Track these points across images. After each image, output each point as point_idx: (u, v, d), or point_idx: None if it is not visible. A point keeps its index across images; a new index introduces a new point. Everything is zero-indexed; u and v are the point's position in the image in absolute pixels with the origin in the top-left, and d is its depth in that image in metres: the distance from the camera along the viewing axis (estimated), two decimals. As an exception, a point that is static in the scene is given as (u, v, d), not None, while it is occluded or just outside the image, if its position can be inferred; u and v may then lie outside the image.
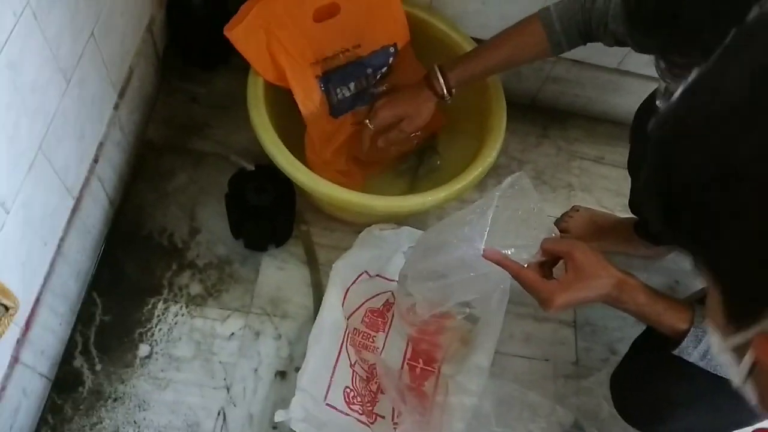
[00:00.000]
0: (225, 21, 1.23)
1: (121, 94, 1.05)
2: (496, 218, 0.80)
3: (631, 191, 1.12)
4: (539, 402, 1.04)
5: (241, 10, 1.02)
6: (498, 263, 0.78)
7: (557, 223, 1.26)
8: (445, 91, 1.00)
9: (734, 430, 0.88)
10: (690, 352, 0.72)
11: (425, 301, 0.93)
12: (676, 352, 0.73)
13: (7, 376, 0.82)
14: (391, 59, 1.14)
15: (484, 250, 0.79)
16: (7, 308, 0.54)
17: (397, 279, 1.10)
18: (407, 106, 1.03)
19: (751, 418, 0.82)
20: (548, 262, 0.80)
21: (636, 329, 0.93)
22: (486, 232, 0.79)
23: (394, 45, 1.13)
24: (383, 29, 1.12)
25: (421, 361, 1.07)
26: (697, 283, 1.24)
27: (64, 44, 0.81)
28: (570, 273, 0.76)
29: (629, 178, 1.12)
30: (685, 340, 0.72)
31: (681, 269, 1.26)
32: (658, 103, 0.68)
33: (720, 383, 0.72)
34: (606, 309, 1.19)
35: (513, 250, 0.80)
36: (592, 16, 0.87)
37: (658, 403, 0.82)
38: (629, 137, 1.01)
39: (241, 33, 1.00)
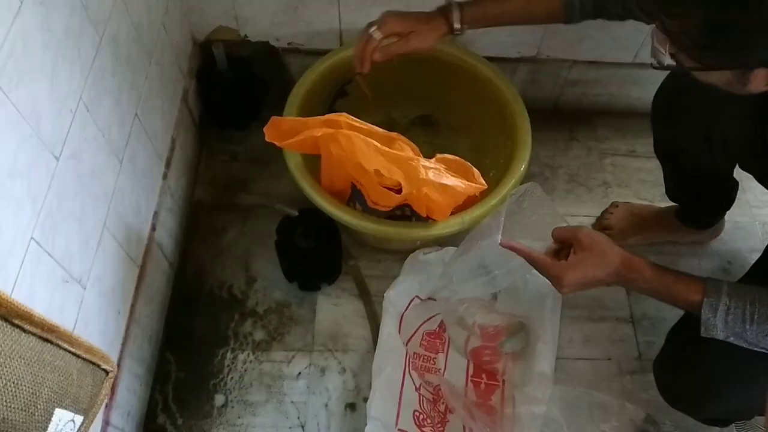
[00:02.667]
0: (250, 83, 1.31)
1: (168, 164, 1.13)
2: (513, 224, 0.89)
3: (665, 178, 1.13)
4: (608, 401, 1.04)
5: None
6: (512, 249, 0.85)
7: (598, 221, 1.27)
8: (458, 24, 0.96)
9: None
10: (714, 323, 0.73)
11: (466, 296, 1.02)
12: (703, 331, 0.74)
13: (101, 440, 0.88)
14: None
15: (500, 241, 0.86)
16: (107, 372, 0.59)
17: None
18: (418, 23, 0.98)
19: None
20: (563, 251, 0.84)
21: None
22: (501, 227, 0.87)
23: None
24: None
25: (484, 376, 1.09)
26: (751, 261, 1.23)
27: (114, 129, 0.89)
28: (578, 254, 0.80)
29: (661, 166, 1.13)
30: (703, 311, 0.73)
31: (730, 250, 1.25)
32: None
33: (758, 358, 0.73)
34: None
35: (528, 241, 0.87)
36: None
37: (698, 385, 0.84)
38: (651, 124, 1.02)
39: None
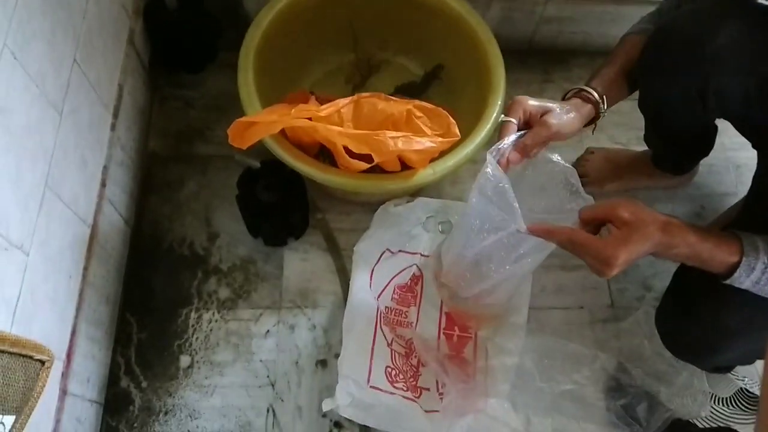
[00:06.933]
0: (203, 20, 1.21)
1: (116, 113, 1.04)
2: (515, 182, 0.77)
3: (646, 128, 1.08)
4: (580, 351, 1.04)
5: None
6: (545, 235, 0.72)
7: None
8: (595, 94, 0.85)
9: None
10: (742, 281, 0.69)
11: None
12: (728, 281, 0.70)
13: (60, 409, 0.84)
14: None
15: (527, 228, 0.74)
16: (43, 362, 0.54)
17: (419, 251, 1.10)
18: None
19: None
20: (589, 229, 0.73)
21: (668, 263, 0.90)
22: (517, 213, 0.75)
23: None
24: None
25: (456, 328, 1.07)
26: (723, 204, 1.22)
27: (49, 77, 0.80)
28: (622, 229, 0.68)
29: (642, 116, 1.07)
30: (738, 270, 0.68)
31: (704, 194, 1.24)
32: None
33: (764, 303, 0.70)
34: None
35: (531, 198, 0.80)
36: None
37: (710, 333, 0.80)
38: (639, 77, 0.93)
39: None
